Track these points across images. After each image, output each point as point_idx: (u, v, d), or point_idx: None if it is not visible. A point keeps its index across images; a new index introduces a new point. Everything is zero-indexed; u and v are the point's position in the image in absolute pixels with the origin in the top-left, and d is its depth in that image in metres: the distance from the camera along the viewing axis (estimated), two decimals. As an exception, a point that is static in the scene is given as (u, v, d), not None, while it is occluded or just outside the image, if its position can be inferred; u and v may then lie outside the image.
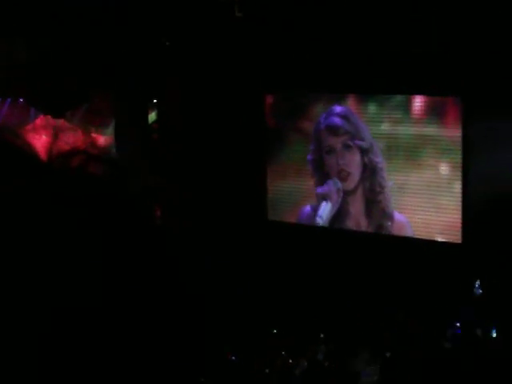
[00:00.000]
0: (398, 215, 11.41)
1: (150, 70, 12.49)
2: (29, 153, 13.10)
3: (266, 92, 12.26)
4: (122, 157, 12.95)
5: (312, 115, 11.93)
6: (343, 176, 11.63)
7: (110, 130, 13.00)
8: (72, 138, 13.15)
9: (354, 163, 11.58)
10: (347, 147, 11.61)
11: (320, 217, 11.75)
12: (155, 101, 12.93)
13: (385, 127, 11.38)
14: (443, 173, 10.95)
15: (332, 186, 11.68)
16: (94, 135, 13.14)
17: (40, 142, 13.15)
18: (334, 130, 11.69)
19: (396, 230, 11.45)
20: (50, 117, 13.08)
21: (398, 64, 10.89)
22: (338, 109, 11.69)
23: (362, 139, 11.49)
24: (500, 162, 10.46)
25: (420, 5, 10.59)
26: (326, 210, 11.71)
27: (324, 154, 11.80)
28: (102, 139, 13.07)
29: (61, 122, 13.13)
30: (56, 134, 13.11)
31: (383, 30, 10.91)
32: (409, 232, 11.35)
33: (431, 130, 10.97)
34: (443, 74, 10.63)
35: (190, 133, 12.74)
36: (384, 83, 11.10)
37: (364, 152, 11.51)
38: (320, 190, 11.82)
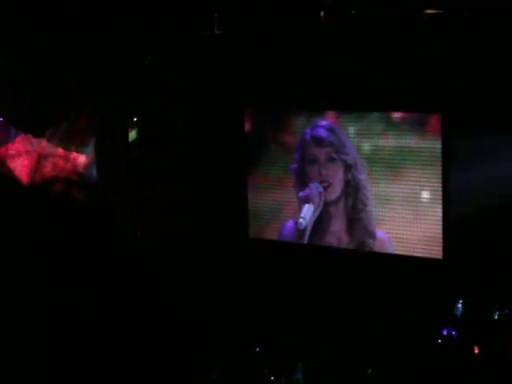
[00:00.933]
0: (379, 232, 11.29)
1: (130, 86, 12.52)
2: (13, 178, 13.02)
3: (246, 105, 12.18)
4: (103, 177, 12.88)
5: (293, 128, 11.86)
6: (324, 187, 11.50)
7: (90, 149, 12.91)
8: (57, 163, 13.08)
9: (336, 176, 11.46)
10: (331, 159, 11.52)
11: (303, 218, 11.54)
12: (135, 119, 12.91)
13: (364, 140, 11.30)
14: (423, 187, 10.85)
15: (314, 189, 11.52)
16: (74, 155, 13.07)
17: (22, 164, 13.07)
18: (319, 141, 11.59)
19: (378, 247, 11.33)
20: (30, 136, 13.00)
21: (378, 81, 10.87)
22: (324, 121, 11.62)
23: (347, 154, 11.43)
24: (481, 175, 10.35)
25: (400, 23, 10.70)
26: (308, 212, 11.51)
27: (307, 163, 11.70)
28: (83, 158, 13.00)
29: (43, 144, 13.06)
30: (39, 160, 13.04)
31: (362, 48, 10.96)
32: (390, 249, 11.24)
33: (411, 142, 10.88)
34: (423, 91, 10.59)
35: (170, 146, 12.72)
36: (363, 100, 11.07)
37: (348, 167, 11.42)
38: (302, 193, 11.65)
